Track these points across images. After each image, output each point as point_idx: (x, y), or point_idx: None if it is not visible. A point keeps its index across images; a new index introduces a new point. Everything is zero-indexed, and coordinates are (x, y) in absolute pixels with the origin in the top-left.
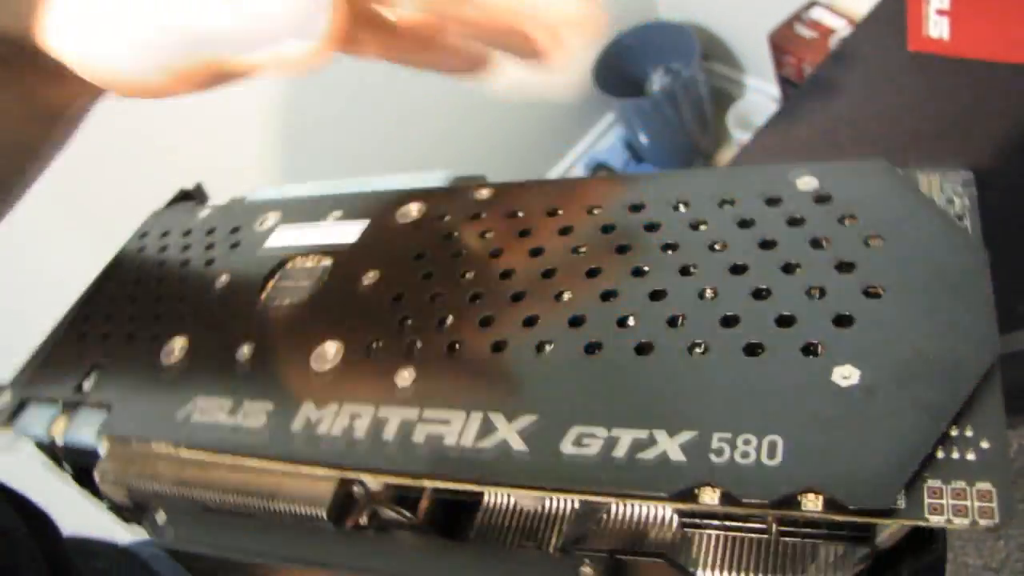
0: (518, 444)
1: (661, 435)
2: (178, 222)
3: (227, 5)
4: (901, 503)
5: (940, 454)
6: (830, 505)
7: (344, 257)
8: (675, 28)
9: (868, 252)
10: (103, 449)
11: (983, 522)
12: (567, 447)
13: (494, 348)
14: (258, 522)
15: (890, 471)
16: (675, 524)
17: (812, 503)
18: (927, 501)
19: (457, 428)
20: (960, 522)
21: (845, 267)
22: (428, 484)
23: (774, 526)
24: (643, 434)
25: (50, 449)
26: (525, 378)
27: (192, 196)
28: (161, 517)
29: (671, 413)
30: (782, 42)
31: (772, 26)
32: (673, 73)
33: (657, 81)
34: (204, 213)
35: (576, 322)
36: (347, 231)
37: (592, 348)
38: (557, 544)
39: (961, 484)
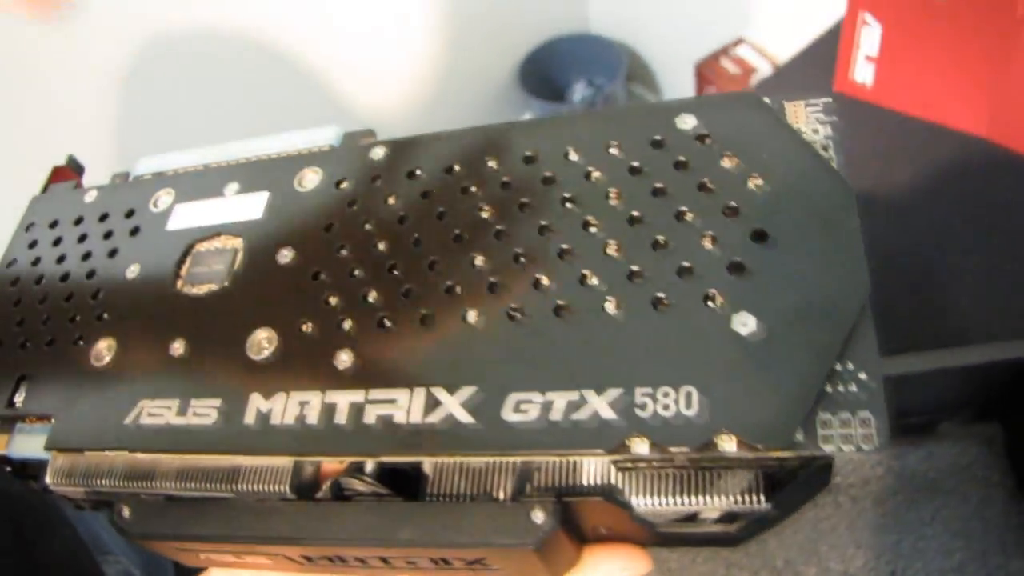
0: (464, 416)
1: (590, 395)
2: (65, 209)
3: None
4: (799, 437)
5: (828, 388)
6: (742, 445)
7: (253, 236)
8: (605, 43)
9: (750, 194)
10: (51, 459)
11: (866, 446)
12: (509, 414)
13: (421, 321)
14: (222, 505)
15: (788, 411)
16: (610, 468)
17: (727, 444)
18: (820, 432)
19: (404, 405)
20: (848, 448)
21: (730, 211)
22: (387, 461)
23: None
24: (575, 395)
25: None
26: (456, 349)
27: (69, 171)
28: (126, 511)
29: (595, 372)
30: (707, 73)
31: (699, 56)
32: (596, 87)
33: (579, 92)
34: (91, 196)
35: (493, 288)
36: (249, 206)
37: (513, 314)
38: (507, 495)
39: (846, 415)
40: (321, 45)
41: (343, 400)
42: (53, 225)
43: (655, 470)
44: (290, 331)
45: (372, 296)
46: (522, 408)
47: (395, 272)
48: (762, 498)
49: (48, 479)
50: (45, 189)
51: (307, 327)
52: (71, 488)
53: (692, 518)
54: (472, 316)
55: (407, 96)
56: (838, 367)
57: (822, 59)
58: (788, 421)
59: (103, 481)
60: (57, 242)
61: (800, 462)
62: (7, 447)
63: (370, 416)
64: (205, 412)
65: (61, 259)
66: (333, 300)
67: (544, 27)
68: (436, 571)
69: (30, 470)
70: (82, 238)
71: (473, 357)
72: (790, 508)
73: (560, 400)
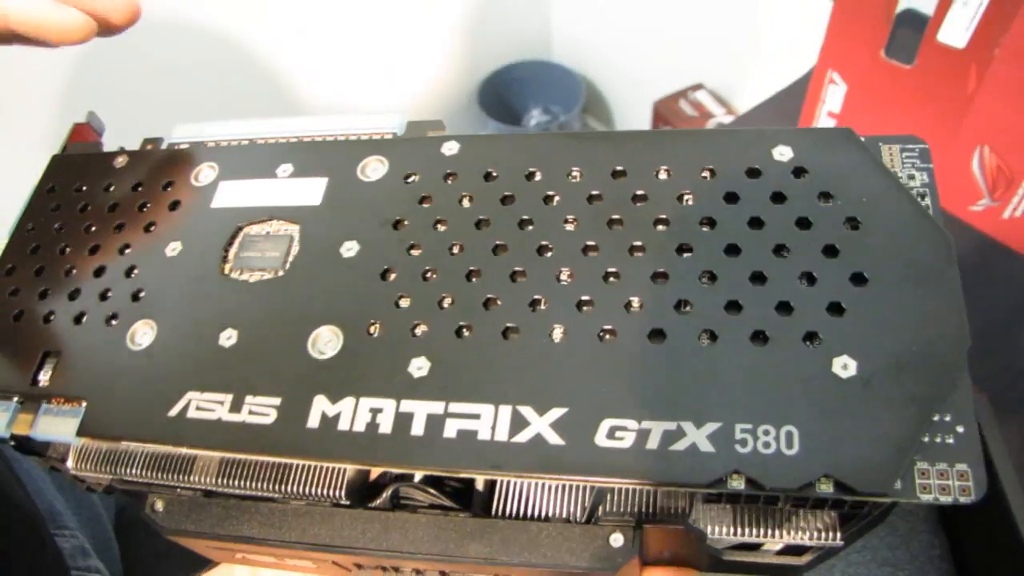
0: (554, 439)
1: (689, 427)
2: (91, 173)
3: None
4: (899, 485)
5: (925, 438)
6: (840, 488)
7: (312, 224)
8: (565, 73)
9: (848, 235)
10: (74, 443)
11: (963, 499)
12: (602, 440)
13: (504, 334)
14: (269, 506)
15: (890, 458)
16: (695, 499)
17: (826, 486)
18: (918, 482)
19: (488, 422)
20: (946, 499)
21: (828, 250)
22: (465, 476)
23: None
24: (672, 426)
25: None
26: (543, 367)
27: (89, 129)
28: (159, 505)
29: (693, 404)
30: (665, 112)
31: (658, 96)
32: (552, 114)
33: (535, 117)
34: (121, 162)
35: (581, 305)
36: (306, 190)
37: (604, 335)
38: (583, 516)
39: (943, 466)
40: (281, 58)
41: (420, 410)
42: (78, 190)
43: (736, 504)
44: (357, 331)
45: (448, 303)
46: (617, 435)
47: (474, 280)
48: (838, 535)
49: (70, 463)
50: (64, 148)
51: (376, 328)
52: (95, 474)
53: (756, 548)
54: (559, 334)
55: (368, 106)
56: (935, 418)
57: (784, 111)
58: (890, 469)
59: (134, 471)
60: (84, 208)
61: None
62: (32, 428)
63: (450, 430)
64: (263, 411)
65: (89, 228)
66: (405, 302)
67: (507, 50)
68: None
69: (34, 446)
70: (113, 207)
71: (561, 377)
72: (851, 542)
73: (657, 429)
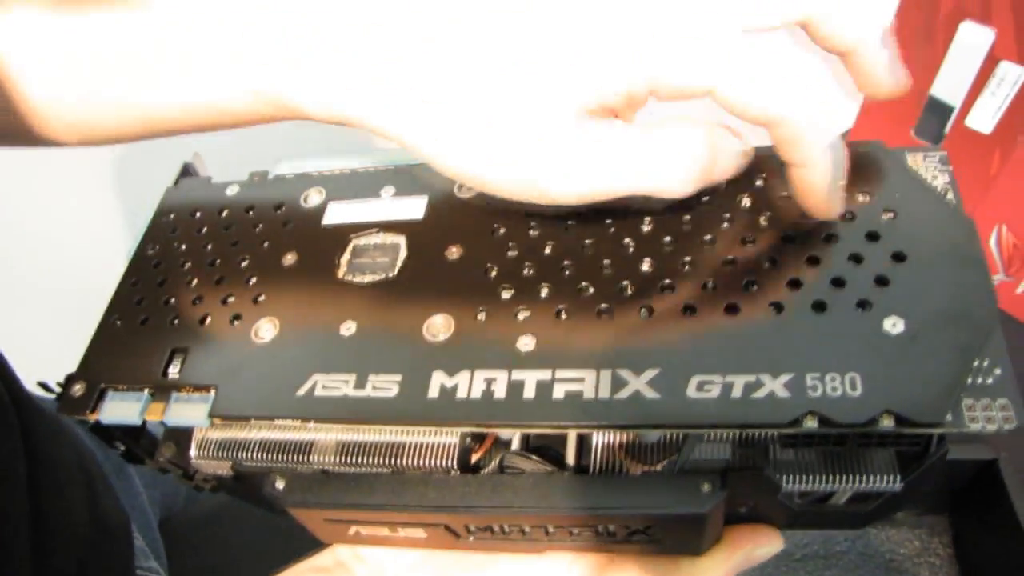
0: (650, 393)
1: (766, 378)
2: (206, 200)
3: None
4: (949, 417)
5: (968, 380)
6: (900, 421)
7: (417, 234)
8: None
9: (887, 224)
10: (202, 430)
11: (1007, 426)
12: (692, 392)
13: (598, 314)
14: (387, 477)
15: (940, 394)
16: (774, 439)
17: (888, 421)
18: (966, 414)
19: (592, 384)
20: (990, 427)
21: (871, 237)
22: (573, 432)
23: (851, 440)
24: (752, 378)
25: (101, 430)
26: (635, 339)
27: (195, 169)
28: (280, 483)
29: (769, 360)
30: None
31: None
32: None
33: None
34: (232, 190)
35: (664, 288)
36: (408, 207)
37: (687, 310)
38: (673, 467)
39: (987, 400)
40: None
41: (530, 377)
42: (193, 214)
43: (805, 451)
44: (466, 318)
45: (545, 292)
46: (705, 388)
47: (566, 273)
48: (897, 478)
49: (192, 452)
50: (177, 183)
51: (482, 315)
52: (215, 461)
53: (827, 498)
54: (646, 312)
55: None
56: (975, 363)
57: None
58: (941, 402)
59: (254, 455)
60: (200, 230)
61: (933, 448)
62: (164, 415)
63: (559, 392)
64: (386, 386)
65: (206, 245)
66: (507, 294)
67: None
68: (593, 543)
69: (120, 435)
70: (227, 227)
71: (651, 345)
72: (911, 497)
73: (739, 381)
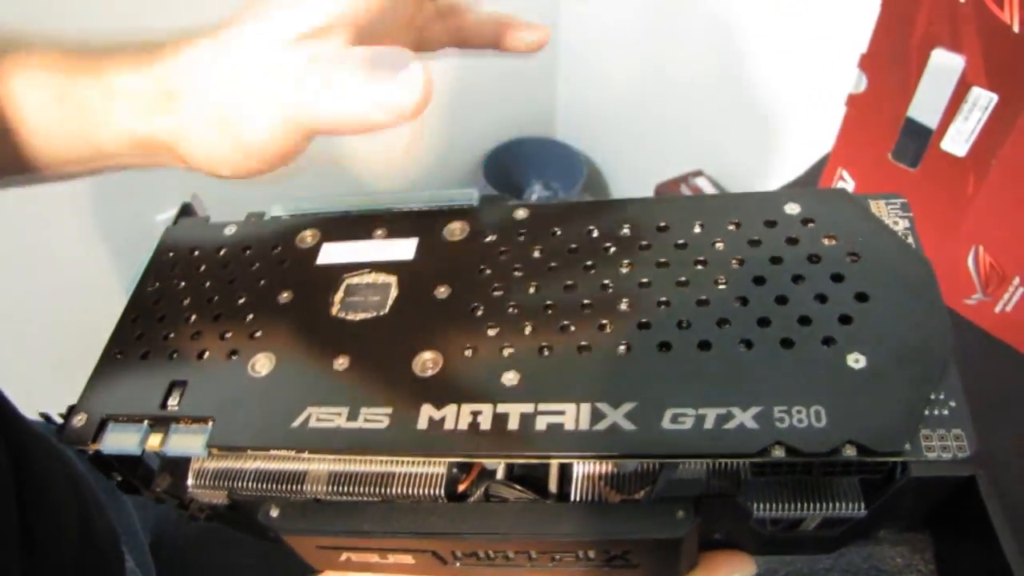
0: (627, 425)
1: (736, 410)
2: (204, 239)
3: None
4: (908, 447)
5: (926, 411)
6: (862, 451)
7: (408, 273)
8: (568, 151)
9: (850, 266)
10: (199, 460)
11: (960, 455)
12: (667, 424)
13: (578, 350)
14: (378, 505)
15: (900, 426)
16: (744, 468)
17: (850, 451)
18: (923, 444)
19: (572, 416)
20: (947, 456)
21: (836, 278)
22: (555, 462)
23: (816, 469)
24: (723, 411)
25: (100, 460)
26: (614, 373)
27: (193, 210)
28: (274, 511)
29: (739, 394)
30: (665, 195)
31: (658, 179)
32: (552, 190)
33: (536, 192)
34: (230, 230)
35: (644, 326)
36: (399, 248)
37: (663, 346)
38: (650, 496)
39: (942, 431)
40: None
41: (514, 410)
42: (192, 252)
43: (774, 480)
44: (454, 354)
45: (529, 330)
46: (679, 420)
47: (549, 312)
48: (861, 505)
49: (190, 481)
50: (176, 222)
51: (469, 351)
52: (211, 491)
53: (797, 525)
54: (623, 348)
55: (377, 176)
56: (932, 396)
57: None
58: (900, 433)
59: (249, 485)
60: (198, 268)
61: (894, 478)
62: (163, 445)
63: (541, 424)
64: (377, 419)
65: (205, 282)
66: (493, 331)
67: (512, 125)
68: (575, 568)
69: (117, 466)
70: (225, 265)
71: (629, 380)
72: (879, 523)
73: (711, 413)
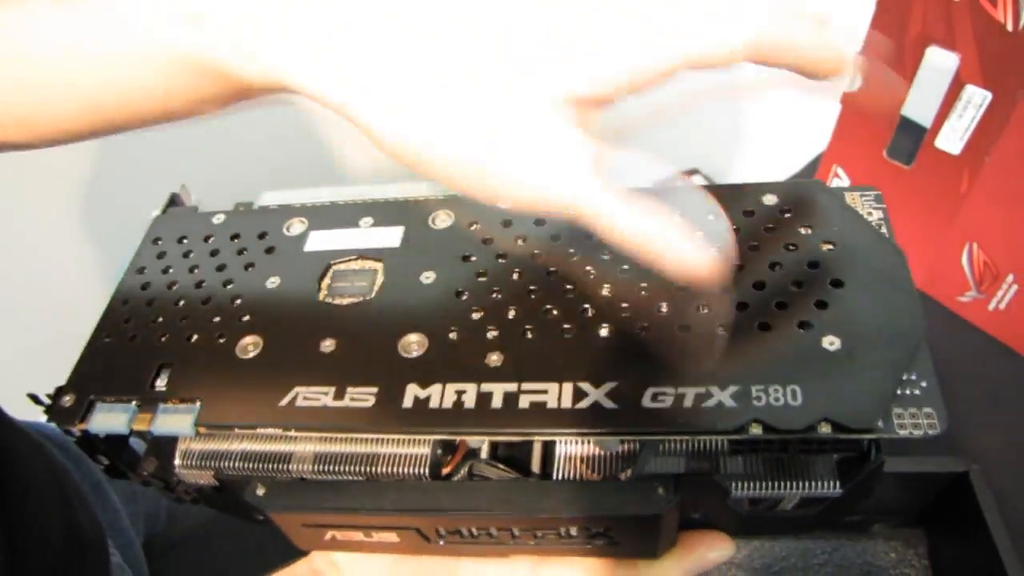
0: (608, 404)
1: (715, 389)
2: (192, 228)
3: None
4: (880, 424)
5: (898, 391)
6: (837, 428)
7: (394, 260)
8: None
9: (825, 253)
10: (186, 441)
11: (931, 431)
12: (647, 403)
13: (560, 333)
14: (364, 484)
15: (873, 404)
16: (722, 447)
17: (825, 428)
18: (896, 422)
19: (554, 395)
20: (918, 433)
21: (812, 265)
22: (538, 439)
23: (792, 447)
24: (702, 390)
25: (87, 441)
26: (597, 355)
27: (184, 198)
28: (260, 490)
29: (719, 374)
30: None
31: (654, 179)
32: None
33: None
34: (219, 219)
35: (622, 311)
36: (385, 236)
37: (642, 330)
38: (631, 475)
39: (914, 410)
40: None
41: (498, 390)
42: (181, 240)
43: (752, 459)
44: (439, 336)
45: (512, 314)
46: (659, 399)
47: (532, 296)
48: (837, 483)
49: (177, 461)
50: (164, 211)
51: (454, 334)
52: (198, 471)
53: (775, 505)
54: (605, 331)
55: (380, 169)
56: (905, 376)
57: None
58: (873, 411)
59: (236, 464)
60: (187, 254)
61: (869, 456)
62: (151, 424)
63: (524, 403)
64: (363, 397)
65: (193, 268)
66: (477, 315)
67: None
68: (556, 545)
69: (104, 448)
70: (214, 252)
71: (610, 361)
72: (850, 502)
73: (690, 392)
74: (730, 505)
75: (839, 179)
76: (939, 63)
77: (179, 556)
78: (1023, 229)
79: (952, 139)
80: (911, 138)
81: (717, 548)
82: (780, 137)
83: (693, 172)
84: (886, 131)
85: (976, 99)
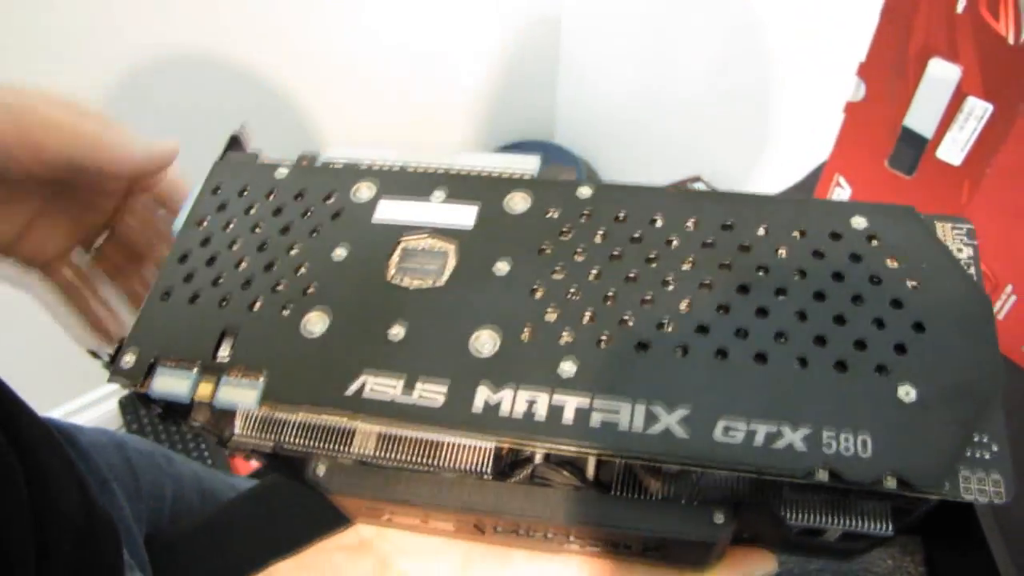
0: (680, 432)
1: (786, 429)
2: (254, 180)
3: None
4: (946, 485)
5: (967, 452)
6: (903, 484)
7: (468, 243)
8: (566, 155)
9: (910, 292)
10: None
11: (997, 500)
12: (718, 435)
13: (637, 347)
14: (425, 476)
15: (942, 464)
16: (782, 488)
17: (891, 483)
18: (961, 485)
19: (627, 416)
20: (983, 499)
21: (895, 303)
22: (606, 459)
23: (855, 494)
24: (774, 428)
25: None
26: (671, 376)
27: (239, 141)
28: (321, 469)
29: (790, 412)
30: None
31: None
32: None
33: None
34: (281, 173)
35: (702, 329)
36: (458, 214)
37: (719, 353)
38: (692, 496)
39: (981, 474)
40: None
41: (570, 403)
42: (242, 193)
43: (811, 494)
44: (512, 336)
45: (588, 319)
46: (730, 433)
47: (609, 303)
48: (889, 526)
49: (237, 428)
50: (223, 156)
51: (527, 335)
52: (258, 440)
53: (821, 532)
54: (680, 350)
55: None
56: (976, 437)
57: None
58: (940, 471)
59: (298, 440)
60: (248, 210)
61: (923, 505)
62: (213, 396)
63: (595, 421)
64: (432, 395)
65: (255, 227)
66: (551, 316)
67: (512, 130)
68: (608, 553)
69: (172, 412)
70: (277, 212)
71: (686, 385)
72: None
73: (762, 429)
74: (780, 531)
75: (841, 188)
76: (941, 75)
77: (183, 553)
78: (1022, 240)
79: (953, 150)
80: (913, 148)
81: (761, 567)
82: (783, 146)
83: (695, 180)
84: (888, 141)
85: (977, 111)
